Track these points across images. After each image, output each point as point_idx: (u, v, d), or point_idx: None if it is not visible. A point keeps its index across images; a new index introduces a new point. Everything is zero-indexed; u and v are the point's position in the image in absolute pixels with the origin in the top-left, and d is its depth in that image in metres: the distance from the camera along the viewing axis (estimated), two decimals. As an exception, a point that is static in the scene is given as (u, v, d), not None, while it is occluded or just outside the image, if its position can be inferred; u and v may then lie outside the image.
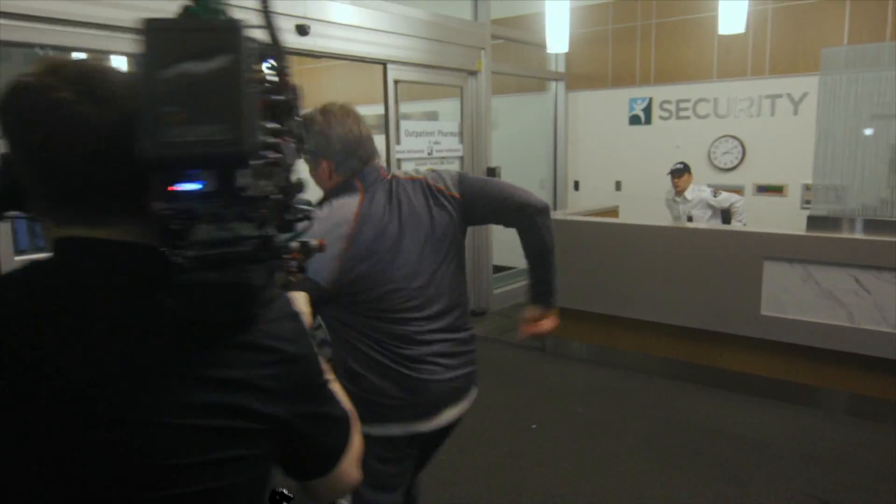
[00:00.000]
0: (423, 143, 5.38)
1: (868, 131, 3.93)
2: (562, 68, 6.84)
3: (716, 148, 6.00)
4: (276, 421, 0.79)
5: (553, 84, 6.91)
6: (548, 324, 2.02)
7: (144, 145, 0.65)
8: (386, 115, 4.97)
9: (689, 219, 5.24)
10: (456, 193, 1.83)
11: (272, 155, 0.73)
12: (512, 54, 6.80)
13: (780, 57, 5.62)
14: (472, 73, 5.72)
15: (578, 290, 4.51)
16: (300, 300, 0.91)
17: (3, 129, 0.74)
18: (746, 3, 3.92)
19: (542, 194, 5.81)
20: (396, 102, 5.09)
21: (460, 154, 5.74)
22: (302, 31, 4.29)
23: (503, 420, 3.77)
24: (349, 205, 1.72)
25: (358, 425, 0.96)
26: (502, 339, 5.31)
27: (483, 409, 3.87)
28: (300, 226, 0.82)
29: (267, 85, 0.76)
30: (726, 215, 5.18)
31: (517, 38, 6.27)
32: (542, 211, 1.88)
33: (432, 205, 1.81)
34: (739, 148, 5.89)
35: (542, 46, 5.56)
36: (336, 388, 0.92)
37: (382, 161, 2.00)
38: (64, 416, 0.71)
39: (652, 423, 3.66)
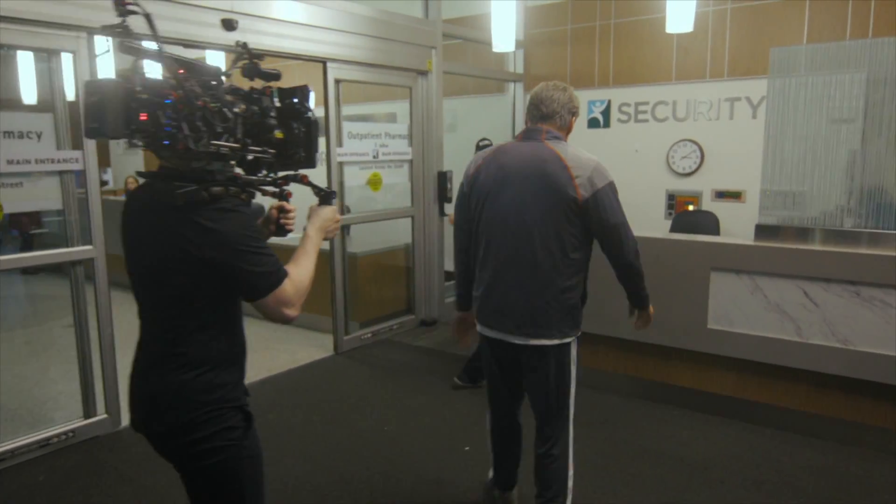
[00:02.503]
0: (367, 146, 5.14)
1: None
2: (520, 69, 6.64)
3: (674, 152, 5.82)
4: (204, 260, 1.48)
5: (511, 85, 6.71)
6: (643, 320, 2.53)
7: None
8: (326, 116, 4.73)
9: None
10: (581, 191, 2.23)
11: (185, 130, 1.41)
12: (470, 55, 6.59)
13: (739, 59, 5.45)
14: (423, 73, 5.50)
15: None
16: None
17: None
18: (694, 2, 3.73)
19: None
20: (338, 103, 4.85)
21: (409, 157, 5.51)
22: (228, 25, 3.94)
23: (436, 441, 3.54)
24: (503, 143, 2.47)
25: (292, 281, 1.57)
26: (450, 351, 5.09)
27: (416, 429, 3.64)
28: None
29: (168, 97, 1.41)
30: None
31: (470, 37, 6.05)
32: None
33: (556, 180, 2.23)
34: (698, 152, 5.72)
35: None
36: (266, 257, 1.54)
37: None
38: (132, 247, 1.63)
39: (594, 443, 3.45)
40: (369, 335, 5.31)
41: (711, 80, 5.64)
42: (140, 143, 1.46)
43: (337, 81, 4.81)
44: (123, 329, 5.77)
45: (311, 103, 1.71)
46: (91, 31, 3.38)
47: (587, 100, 6.30)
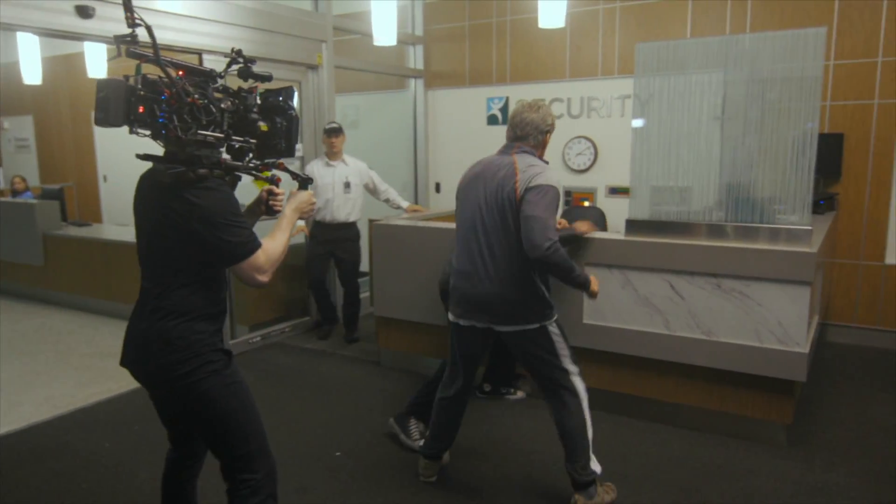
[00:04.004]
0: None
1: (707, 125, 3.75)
2: (420, 65, 6.56)
3: (569, 149, 5.87)
4: (189, 229, 1.79)
5: (412, 82, 6.63)
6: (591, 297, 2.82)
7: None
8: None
9: (347, 185, 5.06)
10: (519, 189, 2.58)
11: (175, 122, 1.75)
12: (371, 51, 6.45)
13: (629, 57, 5.54)
14: (312, 68, 5.34)
15: (419, 300, 4.22)
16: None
17: None
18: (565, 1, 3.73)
19: (404, 197, 5.55)
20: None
21: (300, 154, 5.34)
22: (83, 12, 3.77)
23: (309, 445, 3.41)
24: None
25: (265, 251, 1.90)
26: (340, 352, 4.96)
27: (288, 434, 3.50)
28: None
29: (163, 93, 1.74)
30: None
31: (361, 31, 5.92)
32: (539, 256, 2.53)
33: (504, 182, 2.62)
34: (592, 149, 5.78)
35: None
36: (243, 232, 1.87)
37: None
38: (139, 218, 1.95)
39: (467, 440, 3.39)
40: (258, 339, 5.12)
41: (603, 77, 5.71)
42: (142, 132, 1.76)
43: (215, 75, 4.59)
44: (3, 336, 5.45)
45: (295, 101, 2.04)
46: None
47: (486, 97, 6.29)
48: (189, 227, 1.79)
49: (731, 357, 3.31)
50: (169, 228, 1.82)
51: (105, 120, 1.70)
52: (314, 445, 3.44)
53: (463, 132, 6.41)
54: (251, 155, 1.99)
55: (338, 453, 3.35)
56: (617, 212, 5.54)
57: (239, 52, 1.95)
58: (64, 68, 8.97)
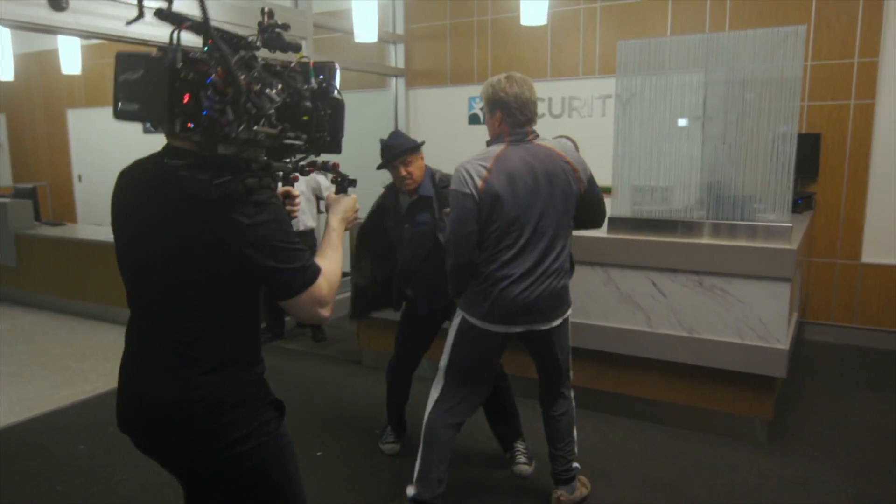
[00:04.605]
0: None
1: (682, 122, 3.78)
2: (401, 64, 6.53)
3: (551, 148, 5.87)
4: (239, 257, 1.36)
5: (393, 80, 6.60)
6: None
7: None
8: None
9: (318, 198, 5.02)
10: (583, 183, 2.50)
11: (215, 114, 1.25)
12: (353, 48, 6.40)
13: (609, 56, 5.55)
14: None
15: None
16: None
17: None
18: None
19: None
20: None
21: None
22: (56, 4, 3.63)
23: (288, 448, 3.37)
24: (493, 150, 2.41)
25: (325, 278, 1.46)
26: (321, 352, 4.91)
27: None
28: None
29: (209, 75, 1.24)
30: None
31: (341, 28, 5.87)
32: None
33: (563, 175, 2.42)
34: (573, 148, 5.78)
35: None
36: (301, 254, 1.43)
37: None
38: (132, 238, 1.47)
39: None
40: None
41: (584, 76, 5.73)
42: (187, 135, 1.28)
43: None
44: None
45: (338, 82, 1.58)
46: None
47: (468, 96, 6.28)
48: (239, 254, 1.36)
49: (713, 354, 3.33)
50: (204, 258, 1.37)
51: (143, 114, 1.29)
52: (296, 445, 3.39)
53: (444, 131, 6.39)
54: (300, 154, 1.58)
55: (319, 453, 3.31)
56: (598, 211, 5.55)
57: (271, 13, 1.47)
58: (37, 65, 8.80)
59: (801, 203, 4.73)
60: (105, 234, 5.83)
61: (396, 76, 6.54)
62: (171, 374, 1.42)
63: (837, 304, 5.11)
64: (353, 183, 1.76)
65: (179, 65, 1.22)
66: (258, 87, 1.31)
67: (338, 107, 1.55)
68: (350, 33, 5.46)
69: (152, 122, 1.31)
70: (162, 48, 1.27)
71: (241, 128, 1.28)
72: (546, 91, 5.88)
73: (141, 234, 1.44)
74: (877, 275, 4.93)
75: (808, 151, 4.88)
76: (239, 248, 1.35)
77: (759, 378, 3.31)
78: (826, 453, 3.27)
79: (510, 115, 2.40)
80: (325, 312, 1.47)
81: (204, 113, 1.23)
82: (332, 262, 1.53)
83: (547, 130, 5.77)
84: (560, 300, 2.54)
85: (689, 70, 3.56)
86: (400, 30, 6.48)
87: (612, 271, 3.52)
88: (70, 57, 6.98)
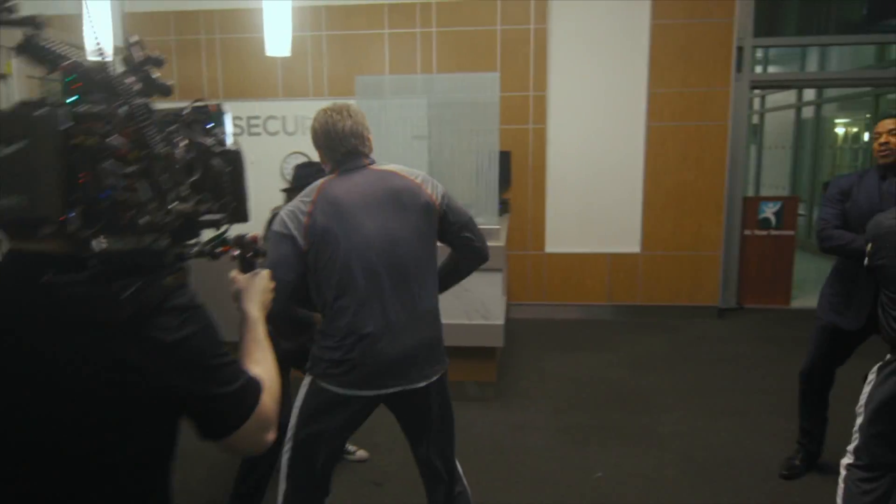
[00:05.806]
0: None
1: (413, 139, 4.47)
2: (122, 78, 6.28)
3: (287, 164, 6.22)
4: (161, 391, 0.98)
5: (113, 94, 6.30)
6: None
7: None
8: None
9: None
10: (436, 196, 2.15)
11: (122, 194, 0.89)
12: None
13: (337, 80, 6.12)
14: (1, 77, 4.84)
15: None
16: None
17: None
18: (290, 29, 4.13)
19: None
20: None
21: None
22: None
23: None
24: (316, 184, 2.07)
25: (268, 391, 1.12)
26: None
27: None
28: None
29: (102, 144, 0.88)
30: None
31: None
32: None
33: (409, 191, 2.10)
34: (309, 164, 6.24)
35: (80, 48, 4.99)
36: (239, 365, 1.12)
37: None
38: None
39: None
40: None
41: (315, 98, 6.20)
42: (94, 237, 0.89)
43: None
44: None
45: (229, 127, 1.19)
46: None
47: (199, 112, 6.30)
48: (160, 386, 0.98)
49: (448, 334, 4.06)
50: (104, 405, 0.96)
51: (32, 209, 0.86)
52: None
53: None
54: (218, 228, 1.18)
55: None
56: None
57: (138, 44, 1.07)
58: None
59: (501, 207, 5.84)
60: None
61: (117, 90, 6.26)
62: None
63: (530, 287, 6.37)
64: (262, 253, 1.41)
65: (69, 125, 0.87)
66: (166, 149, 0.97)
67: (237, 161, 1.17)
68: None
69: (43, 218, 0.88)
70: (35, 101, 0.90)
71: (160, 209, 0.94)
72: (280, 110, 6.22)
73: (13, 403, 0.95)
74: (558, 261, 6.28)
75: (503, 165, 6.01)
76: (160, 377, 0.97)
77: (484, 349, 4.14)
78: (534, 400, 4.24)
79: (329, 150, 2.10)
80: (272, 436, 1.13)
81: (103, 195, 0.88)
82: (267, 365, 1.19)
83: (283, 146, 6.15)
84: (437, 347, 2.28)
85: (415, 96, 4.29)
86: (119, 42, 6.23)
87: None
88: None
